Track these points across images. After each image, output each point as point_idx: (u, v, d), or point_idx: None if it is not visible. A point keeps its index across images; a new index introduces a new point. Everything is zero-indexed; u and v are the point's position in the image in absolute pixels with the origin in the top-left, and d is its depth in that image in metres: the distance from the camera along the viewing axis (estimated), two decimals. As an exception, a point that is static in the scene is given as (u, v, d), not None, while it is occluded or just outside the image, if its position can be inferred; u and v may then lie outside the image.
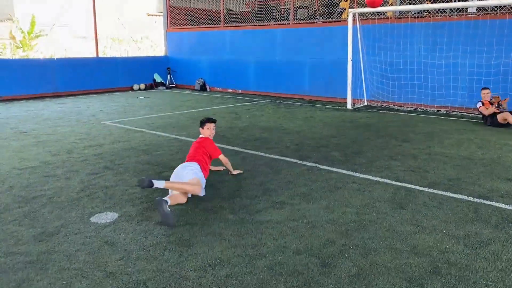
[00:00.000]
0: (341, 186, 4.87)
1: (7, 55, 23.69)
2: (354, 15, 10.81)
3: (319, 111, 10.54)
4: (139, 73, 16.23)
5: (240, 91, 14.92)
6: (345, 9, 12.26)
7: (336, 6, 13.17)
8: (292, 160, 5.96)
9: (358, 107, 11.11)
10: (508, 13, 9.37)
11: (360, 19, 11.20)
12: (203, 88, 15.76)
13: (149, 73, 16.54)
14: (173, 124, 8.79)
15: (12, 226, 3.81)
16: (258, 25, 14.28)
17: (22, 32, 24.96)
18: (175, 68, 16.85)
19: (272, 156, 6.18)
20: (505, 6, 9.52)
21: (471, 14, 10.07)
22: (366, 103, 11.55)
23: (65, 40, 28.80)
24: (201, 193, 4.47)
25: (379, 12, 11.05)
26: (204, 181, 4.65)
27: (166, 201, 3.89)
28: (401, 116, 9.70)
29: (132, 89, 15.98)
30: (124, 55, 24.87)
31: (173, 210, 4.07)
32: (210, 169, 5.12)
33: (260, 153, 6.34)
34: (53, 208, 4.23)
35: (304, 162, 5.82)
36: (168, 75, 16.79)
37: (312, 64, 12.82)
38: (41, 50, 25.73)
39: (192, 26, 16.28)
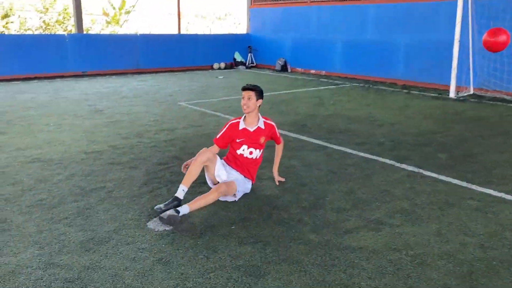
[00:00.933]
0: (455, 202, 3.83)
1: (95, 30, 24.59)
2: (465, -13, 9.22)
3: (416, 99, 9.23)
4: (219, 52, 15.77)
5: (323, 73, 13.86)
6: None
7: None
8: (387, 161, 4.97)
9: (462, 96, 9.61)
10: None
11: (473, -7, 9.58)
12: (283, 68, 14.92)
13: (230, 51, 16.02)
14: (250, 108, 8.10)
15: (62, 226, 3.35)
16: (348, 1, 13.02)
17: (114, 8, 25.75)
18: (256, 47, 16.15)
19: (362, 154, 5.23)
20: None
21: None
22: (471, 92, 9.97)
23: (153, 16, 29.38)
24: (233, 198, 3.81)
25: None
26: (248, 185, 3.96)
27: (177, 216, 3.34)
28: None
29: (212, 68, 15.60)
30: (207, 32, 24.71)
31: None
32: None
33: (348, 150, 5.42)
34: (110, 205, 3.72)
35: (403, 166, 4.81)
36: (249, 54, 16.14)
37: (409, 45, 11.38)
38: (130, 26, 26.44)
39: (276, 2, 15.39)
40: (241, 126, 3.88)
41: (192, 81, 12.12)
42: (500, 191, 4.07)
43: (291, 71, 14.82)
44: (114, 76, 13.00)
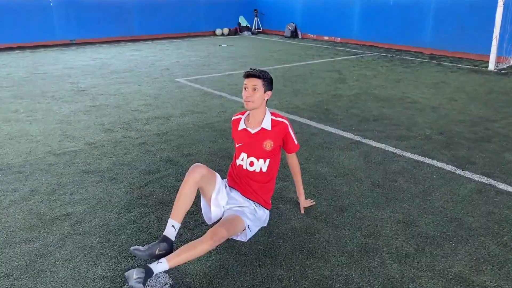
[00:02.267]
0: (562, 242, 2.71)
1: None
2: None
3: (451, 73, 7.96)
4: (222, 16, 14.32)
5: (338, 40, 12.49)
6: None
7: None
8: (445, 166, 3.81)
9: (503, 69, 8.33)
10: None
11: None
12: (294, 34, 13.53)
13: (234, 15, 14.57)
14: (260, 86, 6.87)
15: (-3, 294, 2.27)
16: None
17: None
18: (262, 10, 14.67)
19: (409, 155, 4.07)
20: None
21: None
22: (512, 63, 8.70)
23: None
24: (242, 237, 2.66)
25: None
26: (262, 215, 2.82)
27: (149, 273, 2.25)
28: None
29: (214, 34, 14.20)
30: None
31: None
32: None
33: (389, 148, 4.26)
34: (75, 249, 2.62)
35: (467, 173, 3.66)
36: (255, 18, 14.70)
37: (438, 8, 9.97)
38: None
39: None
40: (241, 125, 2.84)
41: (192, 50, 10.82)
42: None
43: (302, 38, 13.43)
44: (105, 45, 11.69)
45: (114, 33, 12.46)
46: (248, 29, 14.61)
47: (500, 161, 3.91)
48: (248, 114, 2.84)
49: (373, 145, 4.34)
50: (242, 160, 2.80)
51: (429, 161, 3.92)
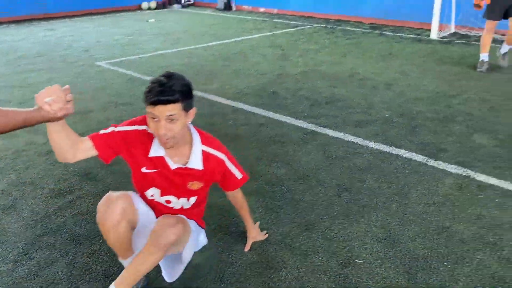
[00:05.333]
0: None
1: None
2: None
3: (396, 44, 7.58)
4: (148, -12, 13.09)
5: (276, 11, 11.81)
6: None
7: None
8: (414, 157, 3.32)
9: (445, 37, 8.10)
10: None
11: None
12: (227, 6, 12.65)
13: (161, -13, 13.37)
14: (196, 69, 6.08)
15: None
16: None
17: None
18: (192, -19, 13.60)
19: (372, 145, 3.55)
20: None
21: None
22: (453, 30, 8.50)
23: None
24: (191, 249, 1.99)
25: None
26: (201, 237, 2.14)
27: None
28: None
29: (140, 8, 12.97)
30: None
31: None
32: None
33: (350, 137, 3.71)
34: None
35: (441, 164, 3.20)
36: (184, -10, 13.60)
37: (377, -25, 9.55)
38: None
39: None
40: (155, 150, 1.87)
41: (115, 27, 9.67)
42: None
43: (237, 10, 12.60)
44: (13, 25, 10.19)
45: (24, 11, 10.90)
46: (177, 1, 13.52)
47: (472, 146, 3.50)
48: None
49: (331, 134, 3.77)
50: (153, 195, 1.98)
51: (396, 151, 3.43)
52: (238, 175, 2.07)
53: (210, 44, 7.77)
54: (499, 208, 2.63)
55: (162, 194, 1.97)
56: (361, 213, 2.62)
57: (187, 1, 13.67)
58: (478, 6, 5.44)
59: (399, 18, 9.38)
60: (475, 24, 8.05)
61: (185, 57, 6.78)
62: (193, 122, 1.90)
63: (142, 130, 1.87)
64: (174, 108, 1.69)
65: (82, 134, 1.84)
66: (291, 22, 10.09)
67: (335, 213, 2.62)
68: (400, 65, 6.08)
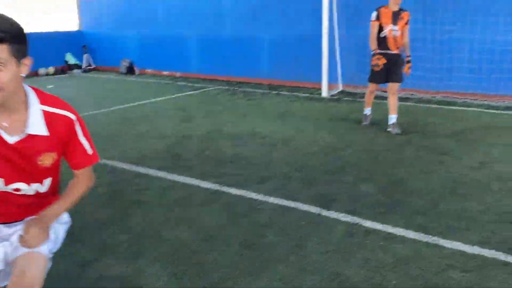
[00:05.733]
0: (440, 283, 2.62)
1: None
2: (329, -23, 8.49)
3: (292, 103, 8.20)
4: (46, 53, 12.69)
5: (179, 74, 12.13)
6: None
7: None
8: (310, 208, 3.59)
9: (335, 95, 8.95)
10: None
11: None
12: (130, 70, 12.73)
13: (60, 53, 13.11)
14: (97, 135, 5.98)
15: None
16: (199, -9, 11.48)
17: None
18: (93, 46, 13.55)
19: (272, 200, 3.77)
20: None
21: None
22: (341, 88, 9.43)
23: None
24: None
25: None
26: (62, 224, 1.86)
27: None
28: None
29: (37, 75, 12.53)
30: (28, 30, 20.57)
31: None
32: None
33: (252, 194, 3.90)
34: None
35: (333, 214, 3.49)
36: (85, 55, 13.46)
37: (271, 40, 10.38)
38: None
39: (113, -7, 13.01)
40: None
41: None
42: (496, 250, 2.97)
43: (140, 74, 12.72)
44: None
45: None
46: (78, 67, 13.30)
47: (359, 195, 3.87)
48: None
49: (234, 193, 3.93)
50: None
51: (294, 204, 3.67)
52: (89, 149, 1.75)
53: (112, 108, 7.74)
54: (382, 251, 2.93)
55: (7, 183, 1.61)
56: (263, 268, 2.75)
57: (88, 66, 13.51)
58: (378, 66, 5.77)
59: (295, 78, 10.18)
60: (359, 83, 9.05)
61: (85, 123, 6.65)
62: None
63: None
64: (2, 51, 1.41)
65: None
66: (195, 85, 10.44)
67: (237, 272, 2.71)
68: (296, 123, 6.57)
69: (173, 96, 9.03)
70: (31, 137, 1.57)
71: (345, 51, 9.17)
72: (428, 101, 8.03)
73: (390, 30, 5.61)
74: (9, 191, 1.66)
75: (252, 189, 3.99)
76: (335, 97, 8.69)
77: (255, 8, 10.46)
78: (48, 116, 1.60)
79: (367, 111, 6.30)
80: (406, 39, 5.71)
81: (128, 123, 6.62)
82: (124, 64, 12.75)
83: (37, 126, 1.57)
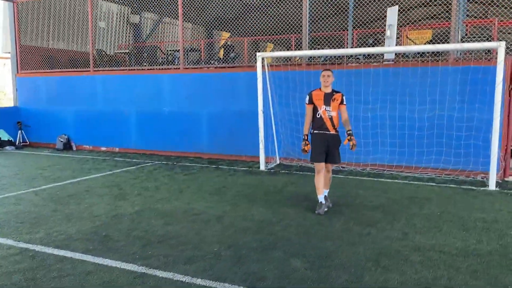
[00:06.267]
0: None
1: None
2: (262, 60, 9.06)
3: (230, 177, 8.30)
4: (-24, 130, 12.25)
5: (117, 150, 12.00)
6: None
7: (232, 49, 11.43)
8: (238, 288, 3.56)
9: (272, 168, 9.19)
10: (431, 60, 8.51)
11: (269, 65, 9.52)
12: (67, 146, 12.43)
13: (-8, 129, 12.64)
14: (22, 216, 5.68)
15: None
16: (138, 70, 11.77)
17: None
18: (28, 122, 13.21)
19: (199, 281, 3.69)
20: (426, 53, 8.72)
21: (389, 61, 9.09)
22: (278, 162, 9.71)
23: None
24: None
25: (289, 58, 9.56)
26: None
27: None
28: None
29: (-36, 152, 11.88)
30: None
31: None
32: None
33: (177, 276, 3.80)
34: None
35: (261, 292, 3.47)
36: (19, 131, 13.04)
37: (211, 116, 10.67)
38: None
39: (51, 70, 13.00)
40: None
41: None
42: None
43: (77, 150, 12.44)
44: None
45: None
46: (11, 143, 12.80)
47: (288, 271, 3.89)
48: None
49: (160, 275, 3.82)
50: None
51: (221, 285, 3.61)
52: None
53: (43, 187, 7.43)
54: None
55: None
56: None
57: (22, 142, 13.06)
58: (304, 151, 5.90)
59: (234, 152, 10.40)
60: (295, 156, 9.40)
61: (11, 203, 6.32)
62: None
63: None
64: None
65: None
66: (132, 160, 10.34)
67: None
68: (232, 197, 6.62)
69: (109, 172, 8.85)
70: None
71: (281, 127, 9.60)
72: (358, 174, 8.43)
73: (324, 111, 5.70)
74: None
75: (180, 271, 3.89)
76: (272, 170, 8.91)
77: (193, 87, 10.83)
78: None
79: (321, 198, 5.81)
80: (344, 117, 5.80)
81: (58, 202, 6.36)
82: (61, 140, 12.47)
83: None
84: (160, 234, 4.91)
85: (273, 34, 15.05)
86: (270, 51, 19.20)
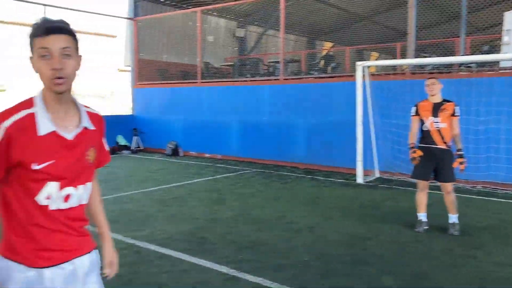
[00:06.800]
0: None
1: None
2: (363, 69, 8.87)
3: (325, 188, 8.23)
4: (99, 135, 13.76)
5: (219, 156, 12.59)
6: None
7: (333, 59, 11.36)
8: (325, 300, 3.52)
9: (371, 181, 8.90)
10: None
11: (371, 74, 9.29)
12: (175, 152, 13.37)
13: (112, 134, 14.09)
14: (130, 215, 6.25)
15: None
16: (241, 81, 12.26)
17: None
18: (143, 129, 14.48)
19: (287, 289, 3.73)
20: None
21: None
22: (378, 175, 9.37)
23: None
24: None
25: (393, 66, 9.24)
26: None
27: None
28: (433, 196, 7.47)
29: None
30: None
31: None
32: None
33: (267, 282, 3.88)
34: None
35: (348, 307, 3.39)
36: (135, 137, 14.37)
37: (309, 126, 10.70)
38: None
39: (164, 82, 14.14)
40: (43, 126, 1.58)
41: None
42: None
43: (184, 155, 13.31)
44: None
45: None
46: (127, 148, 14.16)
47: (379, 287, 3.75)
48: (45, 100, 1.62)
49: (250, 280, 3.93)
50: (49, 197, 1.60)
51: (308, 295, 3.60)
52: (107, 148, 1.94)
53: (151, 189, 8.08)
54: None
55: (62, 186, 1.63)
56: None
57: (136, 147, 14.35)
58: (414, 159, 5.33)
59: (330, 163, 10.28)
60: (396, 170, 8.99)
61: (124, 202, 6.99)
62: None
63: (18, 120, 1.56)
64: (68, 40, 1.57)
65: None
66: (232, 167, 10.77)
67: None
68: (326, 209, 6.56)
69: (211, 178, 9.33)
70: (84, 130, 1.69)
71: (381, 139, 9.26)
72: (467, 192, 7.78)
73: (431, 123, 5.19)
74: (59, 206, 1.64)
75: (269, 277, 3.96)
76: (371, 184, 8.63)
77: (290, 97, 10.97)
78: (89, 114, 1.75)
79: (420, 216, 5.42)
80: (455, 131, 5.22)
81: (163, 204, 6.87)
82: (170, 146, 13.44)
83: (88, 121, 1.71)
84: (252, 240, 5.05)
85: (377, 42, 14.65)
86: (375, 60, 18.66)
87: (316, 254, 4.56)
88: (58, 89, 1.57)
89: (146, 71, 14.69)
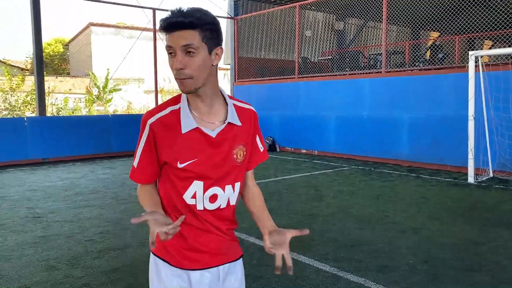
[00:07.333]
0: None
1: (80, 111, 23.27)
2: (476, 59, 8.13)
3: (431, 187, 7.71)
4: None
5: (316, 153, 12.48)
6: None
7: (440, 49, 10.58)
8: (434, 307, 3.28)
9: (483, 181, 8.14)
10: None
11: (485, 65, 8.49)
12: (272, 147, 13.55)
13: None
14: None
15: None
16: (340, 75, 11.99)
17: (97, 87, 24.83)
18: (241, 125, 14.92)
19: (392, 291, 3.55)
20: None
21: None
22: (491, 175, 8.55)
23: (137, 94, 28.60)
24: None
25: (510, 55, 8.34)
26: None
27: None
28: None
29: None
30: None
31: None
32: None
33: (369, 282, 3.73)
34: None
35: (460, 317, 3.13)
36: (234, 133, 14.87)
37: (413, 121, 10.12)
38: (116, 104, 25.41)
39: (262, 78, 14.38)
40: (187, 123, 1.55)
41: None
42: None
43: (280, 151, 13.44)
44: (79, 163, 11.41)
45: (90, 150, 12.27)
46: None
47: (496, 299, 3.40)
48: (188, 101, 1.57)
49: (352, 279, 3.81)
50: (194, 196, 1.58)
51: (414, 300, 3.39)
52: (261, 146, 1.75)
53: (250, 183, 8.25)
54: None
55: (206, 187, 1.58)
56: None
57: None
58: None
59: (437, 161, 9.62)
60: (513, 169, 8.13)
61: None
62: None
63: (158, 116, 1.55)
64: (191, 36, 1.42)
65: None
66: (330, 163, 10.59)
67: None
68: (432, 209, 6.14)
69: (308, 174, 9.27)
70: (230, 127, 1.58)
71: (497, 135, 8.43)
72: None
73: None
74: (205, 206, 1.61)
75: (371, 278, 3.81)
76: (484, 184, 7.90)
77: (393, 91, 10.44)
78: (237, 109, 1.63)
79: None
80: None
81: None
82: (267, 141, 13.66)
83: (234, 117, 1.59)
84: (353, 238, 4.90)
85: (491, 30, 13.34)
86: (489, 49, 17.06)
87: (422, 257, 4.28)
88: (182, 89, 1.49)
89: (245, 68, 15.07)
